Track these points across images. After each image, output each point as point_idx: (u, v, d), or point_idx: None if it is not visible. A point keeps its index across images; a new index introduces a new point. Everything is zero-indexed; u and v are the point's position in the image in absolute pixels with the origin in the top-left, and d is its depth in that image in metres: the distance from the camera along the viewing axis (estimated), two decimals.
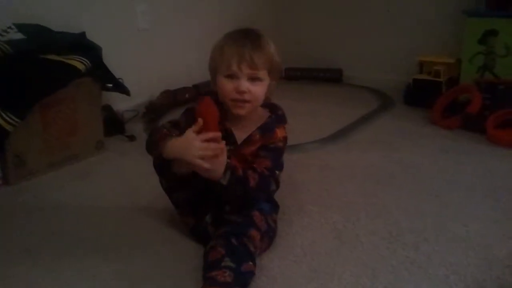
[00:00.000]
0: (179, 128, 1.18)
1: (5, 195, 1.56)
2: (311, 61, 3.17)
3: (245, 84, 1.15)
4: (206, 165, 1.05)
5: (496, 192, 1.52)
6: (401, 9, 2.83)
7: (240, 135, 1.21)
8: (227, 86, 1.16)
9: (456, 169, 1.71)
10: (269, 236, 1.20)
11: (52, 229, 1.34)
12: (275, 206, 1.30)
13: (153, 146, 1.16)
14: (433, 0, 2.72)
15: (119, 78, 2.00)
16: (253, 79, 1.16)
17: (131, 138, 2.06)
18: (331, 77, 3.12)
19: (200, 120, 1.07)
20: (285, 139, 1.23)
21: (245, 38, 1.16)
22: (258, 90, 1.17)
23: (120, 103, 2.20)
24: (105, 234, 1.31)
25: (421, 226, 1.32)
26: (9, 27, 1.67)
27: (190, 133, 1.08)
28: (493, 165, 1.75)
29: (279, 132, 1.22)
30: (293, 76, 3.19)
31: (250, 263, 1.05)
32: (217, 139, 1.07)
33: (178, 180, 1.20)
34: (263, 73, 1.17)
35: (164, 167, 1.18)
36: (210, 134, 1.06)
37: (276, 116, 1.25)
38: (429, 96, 2.38)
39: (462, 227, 1.31)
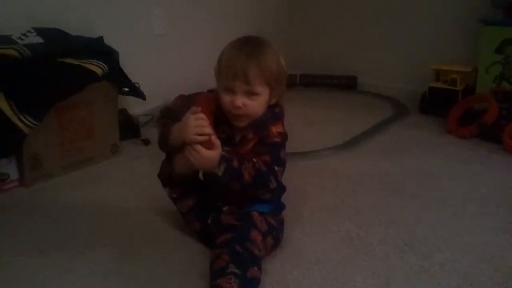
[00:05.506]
0: (173, 114, 1.21)
1: (21, 196, 1.59)
2: (326, 67, 3.17)
3: (240, 99, 1.13)
4: (199, 149, 1.07)
5: (511, 203, 1.51)
6: (417, 17, 2.82)
7: (239, 136, 1.22)
8: (224, 99, 1.16)
9: (471, 179, 1.70)
10: (272, 235, 1.19)
11: (65, 231, 1.36)
12: (277, 206, 1.28)
13: (164, 140, 1.20)
14: (449, 9, 2.70)
15: (135, 83, 2.03)
16: (250, 93, 1.14)
17: (146, 142, 2.07)
18: (346, 84, 3.12)
19: (195, 108, 1.11)
20: (281, 134, 1.20)
21: (242, 51, 1.14)
22: (254, 104, 1.15)
23: (135, 107, 2.23)
24: (118, 237, 1.32)
25: (434, 236, 1.31)
26: (28, 31, 1.69)
27: (186, 115, 1.12)
28: (508, 176, 1.73)
29: (274, 128, 1.19)
30: (308, 82, 3.19)
31: (255, 268, 1.05)
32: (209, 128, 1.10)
33: (180, 188, 1.28)
34: (260, 88, 1.14)
35: (169, 168, 1.25)
36: (203, 115, 1.10)
37: (271, 113, 1.22)
38: (445, 105, 2.36)
39: (476, 238, 1.30)
